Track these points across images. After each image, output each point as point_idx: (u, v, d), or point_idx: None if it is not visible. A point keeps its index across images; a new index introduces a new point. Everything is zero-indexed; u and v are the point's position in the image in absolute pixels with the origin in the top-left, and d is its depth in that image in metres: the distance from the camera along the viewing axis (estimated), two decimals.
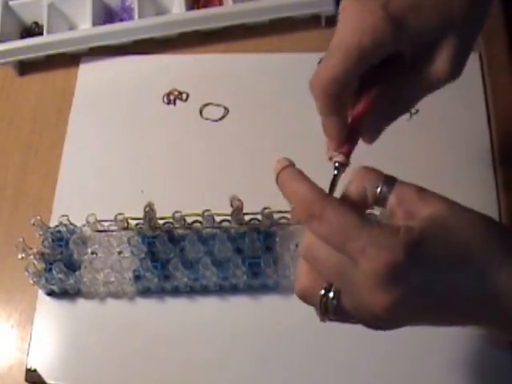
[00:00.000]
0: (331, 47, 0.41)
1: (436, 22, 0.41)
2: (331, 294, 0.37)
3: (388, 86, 0.43)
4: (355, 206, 0.39)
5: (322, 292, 0.38)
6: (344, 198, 0.39)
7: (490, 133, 0.69)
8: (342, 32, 0.41)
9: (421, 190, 0.38)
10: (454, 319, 0.39)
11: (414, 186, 0.38)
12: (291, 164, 0.40)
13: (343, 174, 0.41)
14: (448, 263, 0.36)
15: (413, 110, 0.71)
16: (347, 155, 0.42)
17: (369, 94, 0.43)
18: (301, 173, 0.39)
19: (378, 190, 0.38)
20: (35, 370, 0.60)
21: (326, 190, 0.39)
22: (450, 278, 0.36)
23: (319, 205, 0.37)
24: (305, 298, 0.40)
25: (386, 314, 0.36)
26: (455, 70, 0.43)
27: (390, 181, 0.39)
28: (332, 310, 0.38)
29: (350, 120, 0.43)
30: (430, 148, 0.69)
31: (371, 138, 0.44)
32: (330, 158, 0.42)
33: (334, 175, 0.41)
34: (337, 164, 0.42)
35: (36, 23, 0.79)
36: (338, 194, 0.40)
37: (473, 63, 0.73)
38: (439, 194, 0.38)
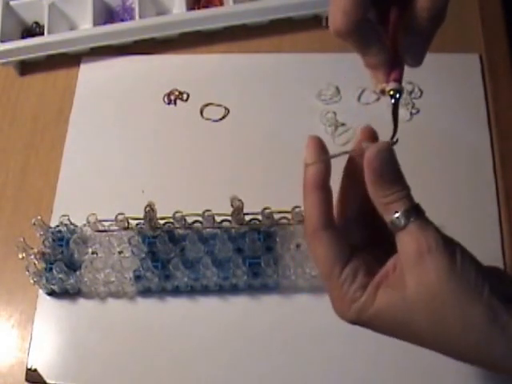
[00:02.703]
0: None
1: None
2: None
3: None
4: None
5: None
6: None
7: (490, 133, 0.70)
8: None
9: (429, 252, 0.36)
10: None
11: (424, 239, 0.36)
12: (319, 158, 0.39)
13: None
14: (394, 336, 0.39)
15: (413, 110, 0.71)
16: (399, 81, 0.40)
17: (392, 14, 0.40)
18: (318, 183, 0.39)
19: (394, 216, 0.37)
20: (36, 370, 0.60)
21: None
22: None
23: (314, 234, 0.39)
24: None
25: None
26: None
27: (408, 215, 0.37)
28: None
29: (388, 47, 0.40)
30: (430, 148, 0.69)
31: (415, 59, 0.40)
32: (383, 91, 0.40)
33: (393, 105, 0.40)
34: (392, 92, 0.40)
35: (37, 23, 0.79)
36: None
37: (473, 64, 0.73)
38: (442, 264, 0.35)
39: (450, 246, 0.36)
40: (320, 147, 0.40)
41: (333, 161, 0.40)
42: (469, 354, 0.37)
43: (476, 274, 0.36)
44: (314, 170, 0.39)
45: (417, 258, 0.36)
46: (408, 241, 0.37)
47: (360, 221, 0.40)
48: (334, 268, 0.38)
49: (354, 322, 0.39)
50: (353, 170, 0.40)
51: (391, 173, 0.37)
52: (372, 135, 0.39)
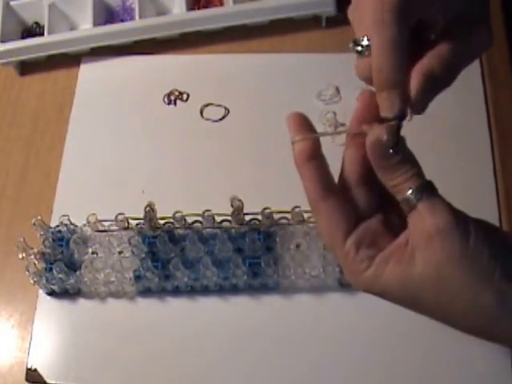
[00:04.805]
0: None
1: None
2: None
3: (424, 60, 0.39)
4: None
5: None
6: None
7: (490, 133, 0.70)
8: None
9: (438, 232, 0.35)
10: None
11: (433, 220, 0.36)
12: (305, 133, 0.39)
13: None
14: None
15: None
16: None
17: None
18: (308, 157, 0.39)
19: (405, 196, 0.37)
20: (36, 370, 0.60)
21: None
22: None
23: (314, 206, 0.38)
24: None
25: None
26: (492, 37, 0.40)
27: (418, 194, 0.36)
28: None
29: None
30: (430, 149, 0.69)
31: (422, 105, 0.40)
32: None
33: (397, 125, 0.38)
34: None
35: (37, 23, 0.79)
36: None
37: (473, 66, 0.72)
38: (452, 246, 0.35)
39: (462, 226, 0.35)
40: (303, 123, 0.40)
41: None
42: (475, 332, 0.37)
43: (489, 254, 0.35)
44: (301, 146, 0.39)
45: (426, 239, 0.36)
46: (417, 221, 0.36)
47: (366, 186, 0.39)
48: (336, 237, 0.38)
49: (365, 291, 0.39)
50: (355, 139, 0.39)
51: (395, 156, 0.37)
52: (370, 115, 0.39)
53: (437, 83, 0.39)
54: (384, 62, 0.37)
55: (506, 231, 0.38)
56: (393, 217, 0.39)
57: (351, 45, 0.39)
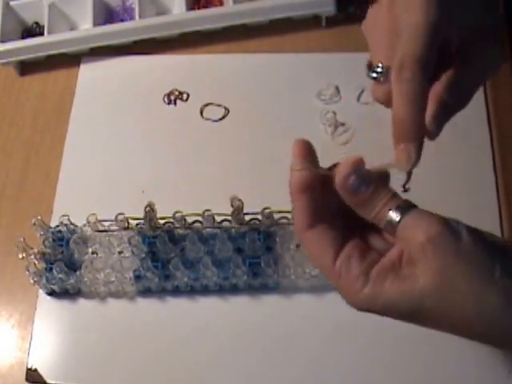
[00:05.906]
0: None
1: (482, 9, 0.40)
2: None
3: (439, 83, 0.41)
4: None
5: None
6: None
7: (490, 133, 0.70)
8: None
9: (429, 241, 0.35)
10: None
11: (421, 230, 0.36)
12: (305, 163, 0.39)
13: None
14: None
15: None
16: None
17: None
18: (303, 188, 0.39)
19: (386, 220, 0.37)
20: (36, 370, 0.60)
21: None
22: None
23: (301, 235, 0.39)
24: None
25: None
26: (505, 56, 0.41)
27: (400, 211, 0.37)
28: None
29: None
30: (430, 149, 0.69)
31: (433, 135, 0.43)
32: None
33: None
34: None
35: (37, 23, 0.79)
36: None
37: None
38: (446, 250, 0.35)
39: (452, 229, 0.35)
40: (307, 153, 0.40)
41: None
42: (483, 336, 0.37)
43: (486, 254, 0.35)
44: (298, 176, 0.39)
45: (419, 250, 0.36)
46: (407, 236, 0.36)
47: (345, 212, 0.39)
48: (326, 261, 0.38)
49: (365, 311, 0.38)
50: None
51: (366, 189, 0.38)
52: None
53: (450, 110, 0.40)
54: (404, 115, 0.38)
55: (501, 238, 0.38)
56: (375, 236, 0.39)
57: (366, 70, 0.40)
